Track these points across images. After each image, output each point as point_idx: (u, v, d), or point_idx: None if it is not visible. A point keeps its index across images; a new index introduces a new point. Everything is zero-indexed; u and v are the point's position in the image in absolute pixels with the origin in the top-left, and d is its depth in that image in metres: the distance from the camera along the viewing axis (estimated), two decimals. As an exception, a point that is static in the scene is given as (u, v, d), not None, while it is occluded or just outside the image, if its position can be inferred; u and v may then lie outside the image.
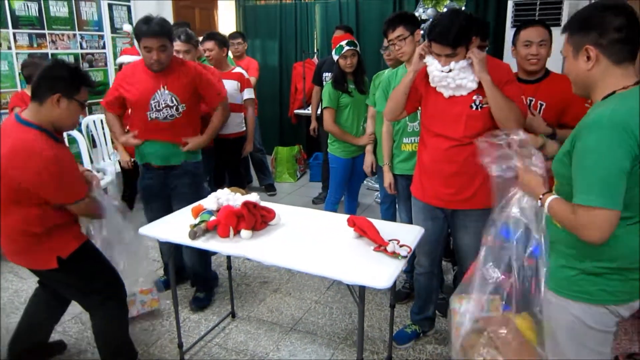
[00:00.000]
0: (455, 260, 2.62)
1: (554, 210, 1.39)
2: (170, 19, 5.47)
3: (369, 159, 3.11)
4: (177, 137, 2.63)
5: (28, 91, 3.35)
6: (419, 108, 2.25)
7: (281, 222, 2.19)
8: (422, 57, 2.02)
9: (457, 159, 2.06)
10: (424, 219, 2.26)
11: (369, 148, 3.12)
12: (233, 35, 4.77)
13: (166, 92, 2.53)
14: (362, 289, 1.76)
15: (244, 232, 2.00)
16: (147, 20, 2.43)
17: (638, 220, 1.31)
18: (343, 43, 3.07)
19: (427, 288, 2.47)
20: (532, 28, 2.16)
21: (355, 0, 5.59)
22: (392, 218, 3.16)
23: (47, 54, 4.22)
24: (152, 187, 2.72)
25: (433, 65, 2.00)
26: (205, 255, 2.89)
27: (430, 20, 1.98)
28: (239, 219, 1.99)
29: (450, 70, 1.95)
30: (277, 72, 6.29)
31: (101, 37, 4.73)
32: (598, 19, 1.29)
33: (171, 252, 2.29)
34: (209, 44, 3.59)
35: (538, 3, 4.21)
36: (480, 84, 1.96)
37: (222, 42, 3.69)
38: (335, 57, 3.12)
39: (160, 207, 2.69)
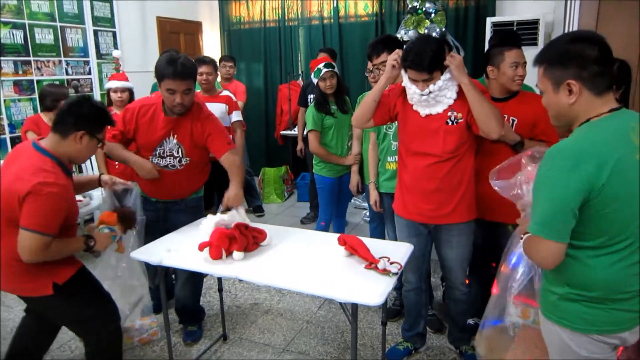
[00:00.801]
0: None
1: (524, 244, 1.42)
2: (156, 45, 5.54)
3: (354, 178, 3.16)
4: (180, 183, 2.53)
5: (44, 117, 3.39)
6: (395, 124, 2.29)
7: (272, 243, 2.21)
8: (394, 67, 2.07)
9: (437, 175, 2.12)
10: (407, 235, 2.30)
11: (354, 168, 3.17)
12: (225, 58, 4.83)
13: (174, 141, 2.45)
14: (355, 306, 1.78)
15: (236, 254, 2.01)
16: (172, 60, 2.26)
17: (608, 249, 1.30)
18: (320, 66, 3.14)
19: (416, 304, 2.50)
20: (516, 50, 2.23)
21: (338, 23, 5.71)
22: (381, 236, 3.19)
23: (32, 80, 4.23)
24: (149, 221, 2.46)
25: (412, 90, 2.05)
26: (199, 288, 2.86)
27: (404, 47, 2.02)
28: (231, 241, 2.01)
29: (430, 93, 2.00)
30: (262, 94, 6.36)
31: (87, 62, 4.76)
32: (576, 53, 1.27)
33: (161, 276, 2.29)
34: (207, 69, 3.64)
35: (515, 23, 4.37)
36: (456, 98, 2.02)
37: (216, 66, 3.75)
38: (315, 81, 3.19)
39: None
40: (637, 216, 1.28)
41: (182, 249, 2.14)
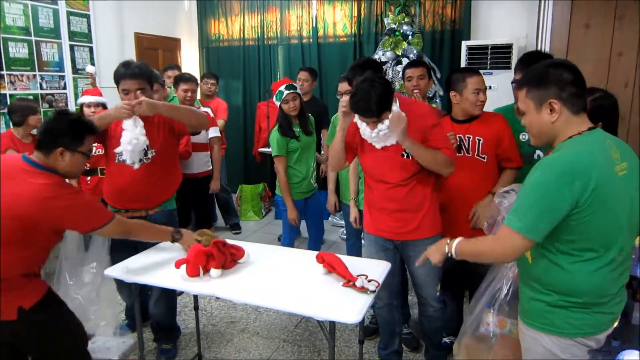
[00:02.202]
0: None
1: (465, 247, 1.56)
2: (134, 60, 5.48)
3: (331, 198, 3.18)
4: (146, 183, 2.49)
5: (15, 132, 3.34)
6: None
7: (250, 260, 2.19)
8: (345, 113, 2.12)
9: (397, 197, 2.20)
10: (375, 251, 2.34)
11: (330, 187, 3.19)
12: (207, 76, 4.81)
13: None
14: (333, 325, 1.77)
15: (214, 271, 1.98)
16: (125, 63, 2.42)
17: (594, 256, 1.39)
18: (282, 88, 3.10)
19: (389, 321, 2.49)
20: (478, 76, 2.33)
21: (317, 43, 5.78)
22: (358, 253, 3.20)
23: (5, 95, 4.13)
24: (118, 243, 2.44)
25: (363, 127, 2.10)
26: (174, 305, 2.80)
27: (352, 90, 2.04)
28: (209, 258, 1.98)
29: (379, 131, 2.04)
30: (241, 111, 6.36)
31: (62, 77, 4.69)
32: (556, 76, 1.40)
33: (135, 294, 2.23)
34: (190, 86, 3.63)
35: (490, 47, 4.50)
36: (408, 128, 2.06)
37: (197, 83, 3.75)
38: (277, 104, 3.15)
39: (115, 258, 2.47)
40: (618, 223, 1.38)
41: (157, 265, 2.10)
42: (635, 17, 2.87)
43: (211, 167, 3.87)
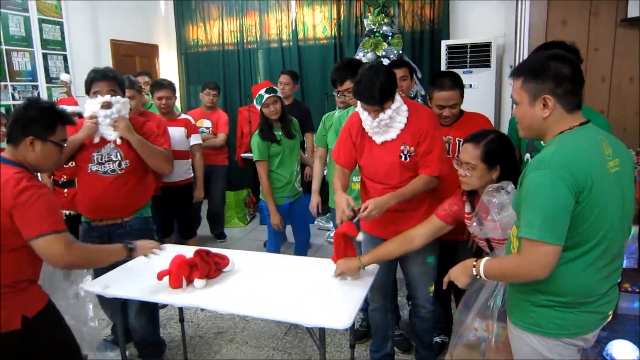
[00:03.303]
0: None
1: (492, 266, 1.46)
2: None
3: (314, 199, 3.14)
4: (119, 193, 2.45)
5: None
6: None
7: (235, 269, 2.14)
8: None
9: None
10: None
11: (314, 188, 3.15)
12: (209, 86, 4.65)
13: (112, 145, 2.43)
14: (322, 331, 1.73)
15: (198, 282, 1.93)
16: (95, 69, 2.43)
17: (579, 254, 1.35)
18: (262, 92, 3.06)
19: (382, 324, 2.47)
20: (445, 92, 2.30)
21: (297, 46, 5.75)
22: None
23: (-24, 105, 4.01)
24: None
25: (364, 115, 2.10)
26: (156, 318, 2.72)
27: (357, 78, 2.03)
28: (192, 268, 1.93)
29: (381, 121, 2.05)
30: (222, 117, 6.27)
31: (35, 87, 4.56)
32: (554, 70, 1.34)
33: (118, 309, 2.16)
34: (166, 92, 3.55)
35: (469, 46, 4.53)
36: (405, 127, 2.08)
37: (174, 89, 3.67)
38: (258, 107, 3.11)
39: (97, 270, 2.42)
40: (608, 221, 1.34)
41: (139, 278, 2.04)
42: (609, 14, 2.92)
43: (192, 175, 3.79)
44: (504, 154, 1.81)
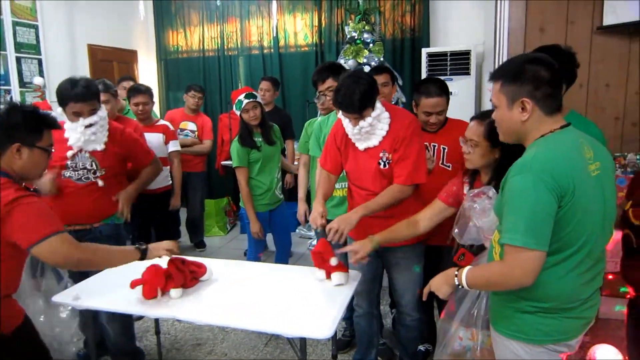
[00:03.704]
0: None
1: (475, 275, 1.42)
2: (87, 73, 5.28)
3: (301, 207, 3.10)
4: (91, 200, 2.40)
5: None
6: None
7: (213, 278, 2.08)
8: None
9: None
10: None
11: (300, 195, 3.11)
12: (194, 88, 4.56)
13: (86, 155, 2.37)
14: (303, 341, 1.69)
15: (174, 291, 1.86)
16: (72, 83, 2.27)
17: (561, 259, 1.33)
18: (241, 97, 3.01)
19: (367, 331, 2.43)
20: (432, 99, 2.30)
21: (278, 53, 5.72)
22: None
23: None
24: None
25: (346, 122, 2.09)
26: (130, 325, 2.61)
27: (337, 85, 2.02)
28: (167, 279, 1.86)
29: (361, 128, 2.03)
30: (202, 124, 6.20)
31: (8, 91, 4.43)
32: (532, 72, 1.32)
33: (90, 323, 2.08)
34: (143, 98, 3.47)
35: (449, 54, 4.56)
36: (387, 134, 2.05)
37: (152, 94, 3.60)
38: (237, 113, 3.06)
39: (75, 277, 2.35)
40: (590, 225, 1.32)
41: (113, 287, 1.96)
42: (586, 22, 2.96)
43: (171, 183, 3.71)
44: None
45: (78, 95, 2.25)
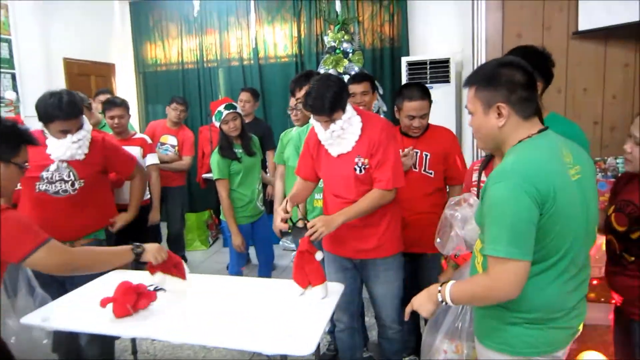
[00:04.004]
0: None
1: (459, 290, 1.36)
2: (63, 87, 5.15)
3: (277, 218, 3.03)
4: (70, 215, 2.30)
5: None
6: None
7: (193, 292, 2.01)
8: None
9: None
10: (335, 270, 2.23)
11: (276, 207, 3.05)
12: (177, 100, 4.49)
13: (64, 165, 2.28)
14: (284, 358, 1.62)
15: (158, 276, 1.86)
16: (57, 100, 2.18)
17: (544, 267, 1.29)
18: (221, 108, 2.99)
19: (350, 346, 2.38)
20: (416, 102, 2.28)
21: (258, 64, 5.69)
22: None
23: None
24: (41, 274, 2.17)
25: (317, 126, 2.05)
26: (111, 345, 2.51)
27: (307, 89, 2.00)
28: (139, 295, 1.78)
29: (333, 132, 1.99)
30: (182, 136, 6.11)
31: (-20, 107, 4.31)
32: (507, 77, 1.30)
33: (62, 344, 1.98)
34: (119, 111, 3.39)
35: (428, 62, 4.58)
36: (359, 139, 2.02)
37: (128, 107, 3.52)
38: (217, 124, 3.02)
39: (52, 291, 2.25)
40: (572, 231, 1.28)
41: (86, 306, 1.87)
42: (561, 27, 3.00)
43: (149, 197, 3.62)
44: None
45: (67, 114, 2.19)
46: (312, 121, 2.06)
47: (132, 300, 1.75)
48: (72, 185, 2.29)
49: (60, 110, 2.17)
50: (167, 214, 4.67)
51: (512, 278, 1.22)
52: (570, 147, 1.37)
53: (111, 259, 1.78)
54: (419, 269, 2.33)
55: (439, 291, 1.40)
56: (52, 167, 2.26)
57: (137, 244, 1.86)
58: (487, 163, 1.89)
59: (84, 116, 2.35)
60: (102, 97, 3.98)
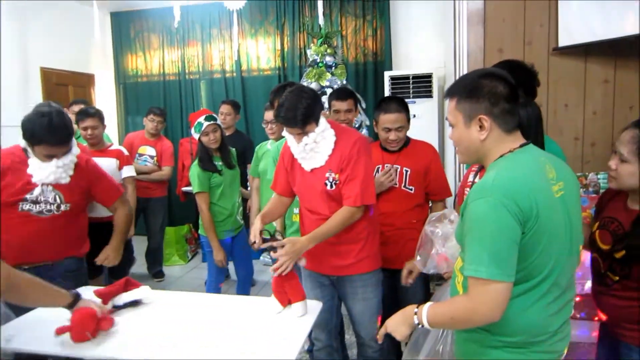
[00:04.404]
0: None
1: (437, 313, 1.29)
2: (39, 98, 5.05)
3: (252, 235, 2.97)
4: (52, 235, 2.21)
5: None
6: None
7: (167, 310, 1.92)
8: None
9: None
10: (312, 287, 2.17)
11: (253, 221, 2.98)
12: (154, 112, 4.39)
13: (48, 188, 2.18)
14: (258, 380, 1.54)
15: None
16: (49, 123, 2.03)
17: (526, 289, 1.23)
18: (201, 119, 2.92)
19: None
20: (391, 115, 2.25)
21: (241, 77, 5.65)
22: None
23: None
24: None
25: (290, 139, 2.00)
26: None
27: (279, 100, 1.95)
28: (100, 320, 1.68)
29: (306, 144, 1.94)
30: (162, 149, 6.02)
31: (-49, 117, 4.17)
32: (489, 88, 1.25)
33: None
34: (92, 122, 3.29)
35: (411, 77, 4.58)
36: (332, 153, 1.96)
37: (102, 118, 3.42)
38: (197, 136, 2.96)
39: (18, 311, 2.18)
40: (555, 250, 1.22)
41: (50, 327, 1.76)
42: (542, 43, 3.01)
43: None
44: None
45: (58, 140, 2.08)
46: (285, 134, 2.00)
47: (90, 327, 1.64)
48: (58, 208, 2.20)
49: (50, 134, 2.04)
50: (147, 225, 4.57)
51: (494, 300, 1.15)
52: (553, 162, 1.32)
53: (44, 299, 1.65)
54: (399, 285, 2.27)
55: (415, 313, 1.32)
56: (36, 192, 2.16)
57: (76, 292, 1.74)
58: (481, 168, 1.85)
59: (73, 139, 2.24)
60: (76, 108, 3.88)
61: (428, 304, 1.32)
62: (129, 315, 1.90)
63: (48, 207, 2.18)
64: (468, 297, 1.20)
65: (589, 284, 2.11)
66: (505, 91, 1.25)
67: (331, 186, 1.97)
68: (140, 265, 4.74)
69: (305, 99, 1.86)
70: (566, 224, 1.25)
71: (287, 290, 1.86)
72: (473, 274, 1.17)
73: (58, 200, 2.20)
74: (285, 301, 1.89)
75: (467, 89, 1.28)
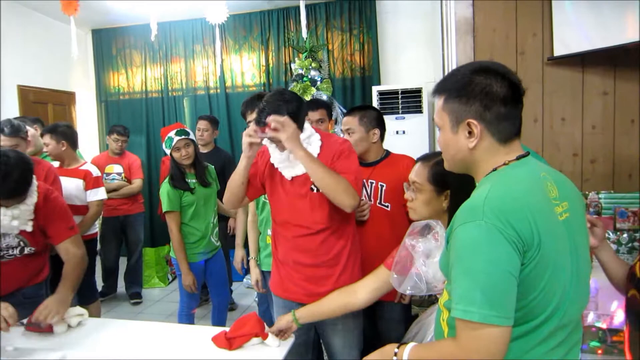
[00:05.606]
0: None
1: (419, 355, 1.09)
2: (16, 115, 4.83)
3: (238, 254, 2.76)
4: (13, 271, 2.05)
5: None
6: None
7: (130, 344, 1.71)
8: (251, 145, 1.74)
9: (310, 247, 1.82)
10: None
11: (238, 241, 2.79)
12: (117, 131, 4.36)
13: (12, 235, 1.99)
14: None
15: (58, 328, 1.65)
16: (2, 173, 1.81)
17: (527, 330, 1.01)
18: (171, 134, 2.74)
19: None
20: (346, 117, 2.17)
21: (225, 93, 5.49)
22: (271, 320, 2.75)
23: None
24: None
25: (271, 148, 1.82)
26: None
27: (260, 105, 1.77)
28: None
29: (290, 153, 1.75)
30: (144, 167, 5.77)
31: None
32: (481, 87, 1.04)
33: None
34: (45, 139, 3.11)
35: (400, 92, 4.43)
36: (319, 157, 1.77)
37: (64, 134, 3.20)
38: (168, 151, 2.78)
39: None
40: (559, 286, 1.00)
41: None
42: (536, 53, 2.88)
43: (92, 231, 3.30)
44: (457, 178, 1.33)
45: (10, 193, 1.85)
46: (266, 142, 1.80)
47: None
48: (22, 251, 2.04)
49: (2, 188, 1.81)
50: (126, 242, 4.38)
51: (488, 348, 0.93)
52: (555, 178, 1.10)
53: None
54: (378, 314, 2.05)
55: (395, 354, 1.12)
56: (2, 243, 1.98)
57: None
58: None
59: (32, 186, 1.97)
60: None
61: (410, 344, 1.11)
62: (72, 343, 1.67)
63: (10, 252, 2.02)
64: (457, 342, 0.98)
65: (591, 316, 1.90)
66: (502, 91, 1.03)
67: (317, 189, 1.77)
68: (119, 287, 4.54)
69: (289, 103, 1.70)
70: (572, 252, 1.03)
71: (250, 330, 1.66)
72: (462, 315, 0.94)
73: (22, 244, 2.04)
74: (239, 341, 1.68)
75: (456, 87, 1.07)
